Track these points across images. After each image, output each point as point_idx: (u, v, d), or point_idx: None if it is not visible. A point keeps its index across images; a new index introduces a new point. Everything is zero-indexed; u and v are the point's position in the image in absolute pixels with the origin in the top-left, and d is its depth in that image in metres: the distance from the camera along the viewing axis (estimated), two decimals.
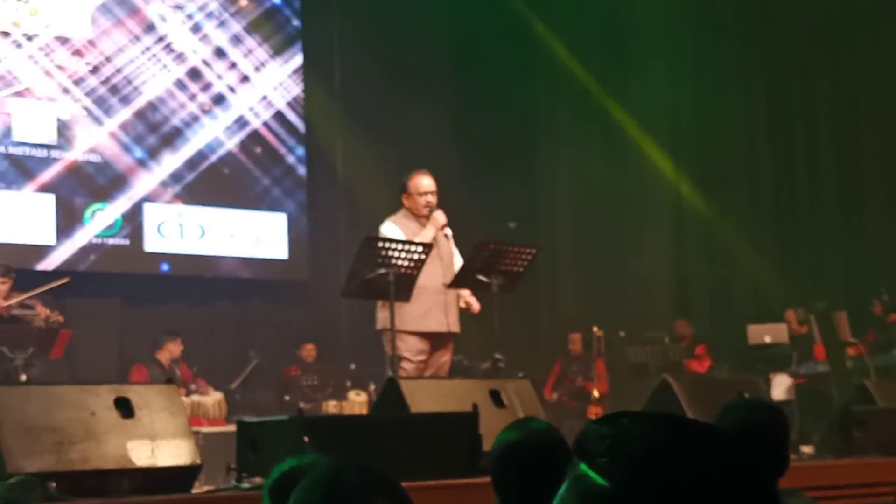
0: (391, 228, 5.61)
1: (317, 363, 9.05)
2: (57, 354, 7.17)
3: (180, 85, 9.39)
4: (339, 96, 10.07)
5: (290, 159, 9.89)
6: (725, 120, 9.82)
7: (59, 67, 8.81)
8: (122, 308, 9.04)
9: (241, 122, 9.66)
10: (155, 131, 9.24)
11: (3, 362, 6.78)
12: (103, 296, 8.88)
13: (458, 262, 5.71)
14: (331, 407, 8.38)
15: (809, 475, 4.28)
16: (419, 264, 5.27)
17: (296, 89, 9.94)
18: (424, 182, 5.70)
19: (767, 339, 8.38)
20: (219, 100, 9.57)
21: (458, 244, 5.82)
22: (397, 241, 5.30)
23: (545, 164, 10.57)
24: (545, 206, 10.48)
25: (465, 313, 5.87)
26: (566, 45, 10.06)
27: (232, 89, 9.64)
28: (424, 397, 4.39)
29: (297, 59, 9.98)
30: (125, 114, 9.09)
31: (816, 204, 9.53)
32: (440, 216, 5.61)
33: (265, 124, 9.77)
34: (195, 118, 9.44)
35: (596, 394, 8.87)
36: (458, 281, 5.58)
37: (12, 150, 8.58)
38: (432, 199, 5.66)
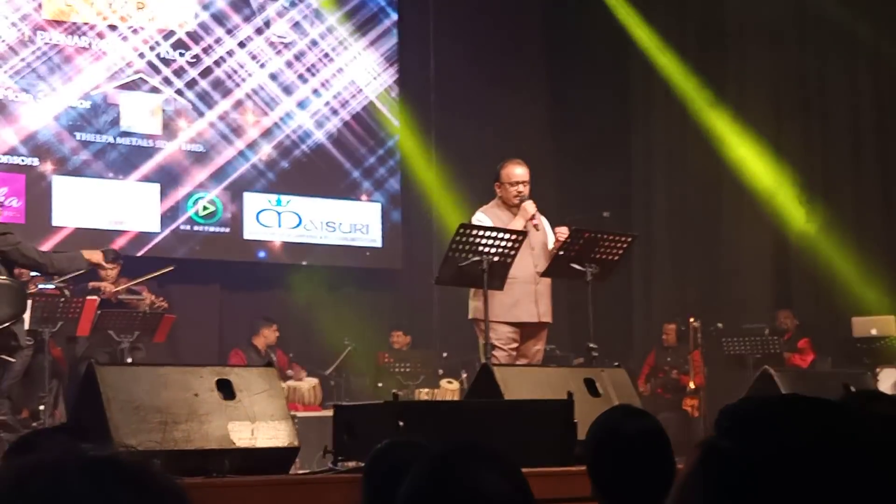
0: (482, 218, 5.62)
1: (409, 351, 9.13)
2: (160, 338, 7.40)
3: (277, 76, 9.56)
4: (433, 86, 10.11)
5: (385, 148, 9.99)
6: (829, 100, 9.52)
7: (164, 60, 9.06)
8: (221, 294, 9.27)
9: (335, 113, 9.79)
10: (253, 122, 9.43)
11: (111, 345, 7.03)
12: (204, 282, 9.11)
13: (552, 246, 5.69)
14: (423, 394, 8.44)
15: None
16: (513, 252, 5.27)
17: (390, 80, 10.02)
18: (517, 171, 5.69)
19: (874, 332, 8.11)
20: (314, 90, 9.71)
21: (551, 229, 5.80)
22: (491, 229, 5.31)
23: (640, 152, 10.43)
24: (640, 195, 10.34)
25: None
26: (662, 33, 9.90)
27: (326, 81, 9.77)
28: (518, 385, 4.39)
29: (392, 50, 10.06)
30: (225, 105, 9.30)
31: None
32: (530, 206, 5.59)
33: (359, 115, 9.88)
34: (291, 108, 9.60)
35: (692, 386, 8.73)
36: (552, 269, 5.56)
37: (120, 141, 8.86)
38: (523, 189, 5.65)
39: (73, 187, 8.65)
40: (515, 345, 5.55)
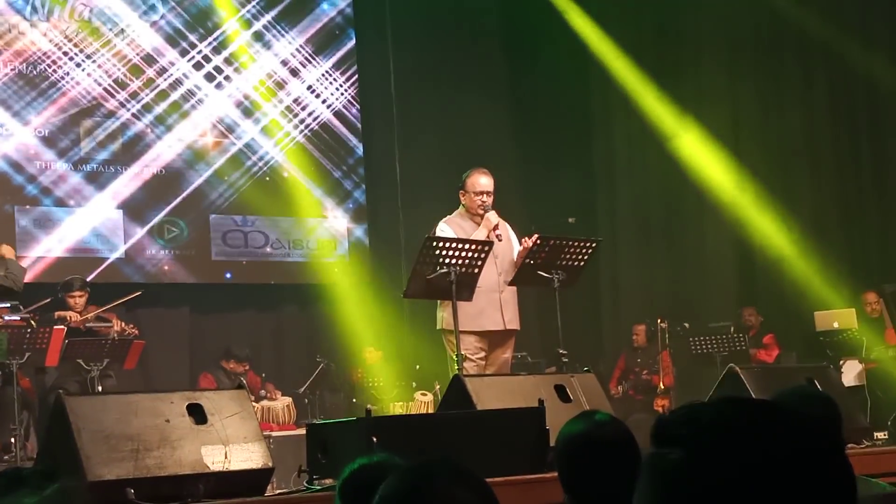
0: (445, 229, 5.65)
1: (381, 365, 9.13)
2: (131, 365, 7.35)
3: (239, 96, 9.54)
4: (394, 99, 10.14)
5: (349, 162, 10.00)
6: (785, 104, 9.66)
7: (120, 84, 9.01)
8: (191, 317, 9.22)
9: (297, 130, 9.78)
10: (213, 143, 9.40)
11: (81, 374, 6.98)
12: (174, 305, 9.06)
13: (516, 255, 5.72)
14: (397, 408, 8.45)
15: (884, 461, 4.22)
16: (480, 263, 5.30)
17: (353, 92, 10.04)
18: (482, 181, 5.73)
19: (836, 325, 8.23)
20: (274, 108, 9.69)
21: (516, 237, 5.84)
22: (458, 241, 5.34)
23: (602, 158, 10.52)
24: (604, 200, 10.42)
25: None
26: (618, 41, 10.00)
27: (286, 98, 9.76)
28: (490, 394, 4.42)
29: (351, 65, 10.08)
30: (185, 127, 9.26)
31: (882, 188, 9.34)
32: (493, 217, 5.63)
33: (321, 131, 9.89)
34: (250, 128, 9.59)
35: (662, 386, 8.81)
36: (519, 278, 5.60)
37: (80, 167, 8.80)
38: (487, 199, 5.69)
39: (33, 217, 8.58)
40: (483, 353, 5.59)
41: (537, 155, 10.39)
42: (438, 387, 8.18)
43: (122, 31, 9.04)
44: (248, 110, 9.56)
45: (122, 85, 9.01)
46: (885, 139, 9.37)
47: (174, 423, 3.72)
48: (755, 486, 0.82)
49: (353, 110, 10.05)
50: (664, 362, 8.84)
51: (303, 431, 5.38)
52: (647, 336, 9.11)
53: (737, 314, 9.17)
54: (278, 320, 9.67)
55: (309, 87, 9.87)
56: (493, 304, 5.58)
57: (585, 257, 5.61)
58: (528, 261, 5.51)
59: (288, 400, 8.43)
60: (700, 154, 9.71)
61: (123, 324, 7.49)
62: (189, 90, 9.30)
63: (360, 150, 10.05)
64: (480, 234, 5.57)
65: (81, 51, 8.86)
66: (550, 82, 10.37)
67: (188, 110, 9.29)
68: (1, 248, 6.95)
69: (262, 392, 8.42)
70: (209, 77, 9.40)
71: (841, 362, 8.01)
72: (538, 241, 5.53)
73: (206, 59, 9.40)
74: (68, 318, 7.23)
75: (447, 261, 5.23)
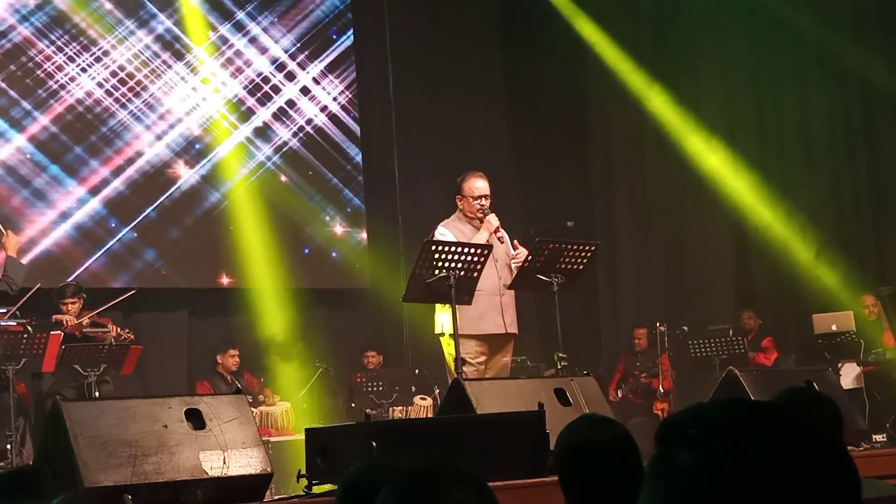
0: (444, 232, 5.64)
1: (381, 369, 9.12)
2: (128, 370, 7.32)
3: (234, 99, 9.53)
4: (393, 103, 10.13)
5: (348, 166, 9.98)
6: (783, 107, 9.67)
7: (114, 86, 9.00)
8: (189, 321, 9.19)
9: (296, 136, 9.77)
10: (209, 149, 9.38)
11: (77, 379, 6.95)
12: (171, 309, 9.04)
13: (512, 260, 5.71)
14: (397, 412, 8.43)
15: (882, 464, 4.20)
16: (479, 266, 5.29)
17: (349, 100, 10.03)
18: (478, 185, 5.71)
19: (834, 328, 8.23)
20: (273, 114, 9.69)
21: (511, 243, 5.82)
22: (456, 244, 5.33)
23: (601, 161, 10.51)
24: (601, 203, 10.42)
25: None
26: (616, 39, 10.00)
27: (284, 104, 9.75)
28: (490, 398, 4.40)
29: (350, 70, 10.07)
30: (181, 129, 9.25)
31: (879, 190, 9.34)
32: (493, 219, 5.62)
33: (320, 136, 9.88)
34: (249, 133, 9.57)
35: (661, 389, 8.80)
36: (518, 281, 5.59)
37: (76, 167, 8.77)
38: (485, 202, 5.68)
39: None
40: (483, 358, 5.57)
41: (535, 158, 10.39)
42: (438, 391, 8.17)
43: (119, 35, 9.03)
44: (243, 115, 9.54)
45: (115, 87, 8.98)
46: (880, 142, 9.37)
47: (172, 428, 3.70)
48: (766, 487, 0.82)
49: (353, 115, 10.04)
50: (663, 366, 8.83)
51: (301, 436, 5.36)
52: (649, 339, 9.10)
53: (735, 317, 9.17)
54: (277, 324, 9.63)
55: (305, 92, 9.86)
56: (495, 307, 5.56)
57: (585, 261, 5.60)
58: (527, 264, 5.50)
59: (286, 405, 8.41)
60: (698, 157, 9.71)
61: (119, 329, 7.46)
62: (186, 94, 9.28)
63: (358, 155, 10.04)
64: (482, 237, 5.56)
65: (75, 56, 8.84)
66: (548, 85, 10.36)
67: (182, 113, 9.26)
68: (8, 238, 6.81)
69: (261, 397, 8.39)
70: (205, 80, 9.39)
71: (839, 365, 8.00)
72: (537, 244, 5.52)
73: (202, 63, 9.39)
74: (65, 323, 7.21)
75: (446, 265, 5.21)
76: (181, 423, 3.74)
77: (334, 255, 9.82)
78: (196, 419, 3.78)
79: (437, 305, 5.59)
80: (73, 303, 7.34)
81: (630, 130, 10.26)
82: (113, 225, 8.86)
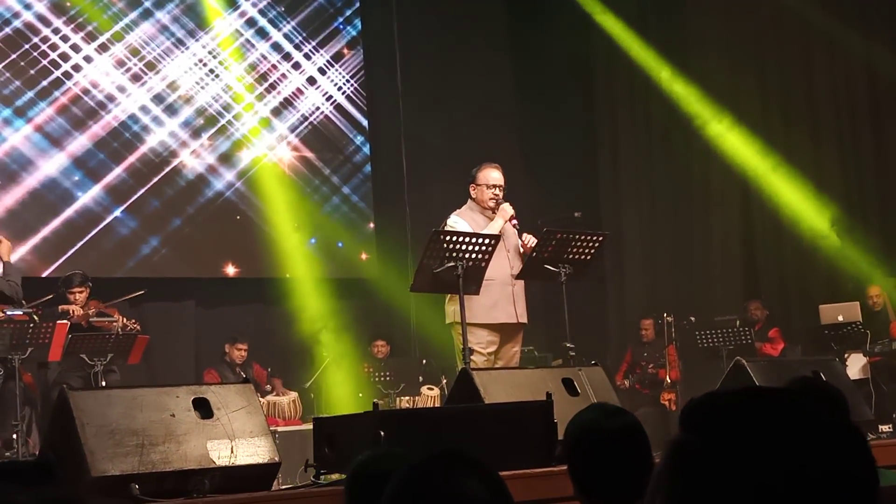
0: (457, 221, 5.63)
1: (389, 359, 9.12)
2: (135, 360, 7.33)
3: (239, 87, 9.51)
4: (401, 93, 10.11)
5: (356, 158, 9.97)
6: (790, 94, 9.61)
7: (123, 76, 8.99)
8: (196, 311, 9.20)
9: (304, 120, 9.76)
10: (223, 133, 9.37)
11: (84, 369, 6.95)
12: (178, 299, 9.04)
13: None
14: (404, 402, 8.43)
15: (888, 454, 4.19)
16: (487, 256, 5.28)
17: (357, 89, 10.01)
18: (494, 175, 5.72)
19: (840, 318, 8.21)
20: (283, 100, 9.67)
21: (521, 234, 5.81)
22: (464, 234, 5.32)
23: (608, 151, 10.48)
24: (609, 194, 10.39)
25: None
26: (624, 19, 9.95)
27: (293, 94, 9.74)
28: (498, 388, 4.39)
29: (358, 60, 10.05)
30: (187, 117, 9.24)
31: (885, 180, 9.29)
32: (508, 207, 5.63)
33: (329, 125, 9.86)
34: (257, 123, 9.56)
35: (668, 380, 8.79)
36: (527, 271, 5.58)
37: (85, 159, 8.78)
38: (499, 193, 5.68)
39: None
40: (494, 347, 5.56)
41: (543, 149, 10.36)
42: (445, 381, 8.16)
43: (125, 25, 9.01)
44: (249, 104, 9.52)
45: (119, 74, 8.97)
46: (885, 129, 9.31)
47: (180, 417, 3.70)
48: (773, 472, 0.81)
49: (361, 104, 10.02)
50: (670, 356, 8.82)
51: (309, 426, 5.36)
52: (656, 330, 9.09)
53: (742, 308, 9.15)
54: (284, 314, 9.64)
55: (312, 82, 9.84)
56: (507, 297, 5.56)
57: (592, 251, 5.59)
58: (534, 254, 5.49)
59: (294, 395, 8.41)
60: (705, 149, 9.67)
61: (125, 319, 7.47)
62: (196, 80, 9.27)
63: (366, 145, 10.02)
64: (497, 225, 5.56)
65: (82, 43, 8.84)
66: (557, 75, 10.33)
67: (188, 95, 9.26)
68: (0, 243, 6.82)
69: (268, 387, 8.40)
70: (212, 68, 9.37)
71: (846, 355, 7.99)
72: (545, 235, 5.51)
73: (211, 53, 9.38)
74: (71, 313, 7.21)
75: (454, 254, 5.20)
76: (189, 413, 3.73)
77: (340, 244, 9.81)
78: (204, 408, 3.78)
79: (448, 296, 5.58)
80: (80, 292, 7.34)
81: (637, 122, 10.22)
82: (117, 214, 8.86)
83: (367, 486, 2.06)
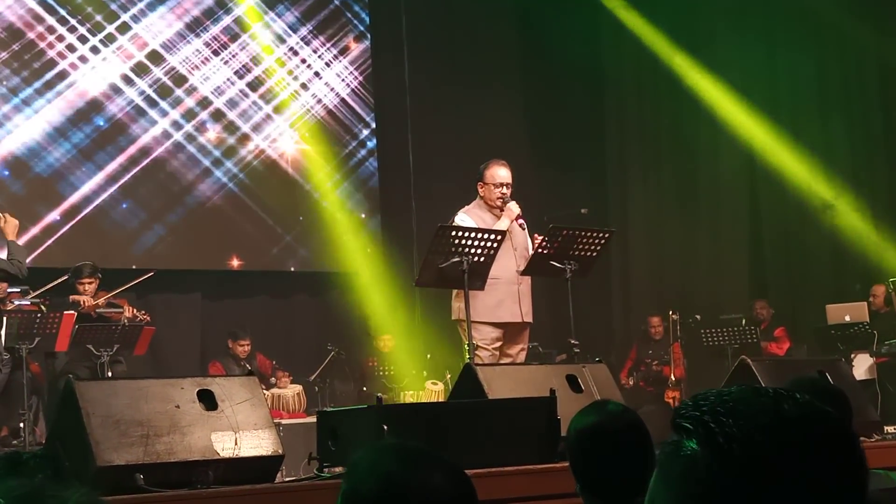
0: (464, 219, 5.63)
1: (393, 354, 9.13)
2: (141, 351, 7.35)
3: (243, 84, 9.52)
4: (408, 90, 10.11)
5: (362, 152, 9.98)
6: (799, 89, 9.56)
7: (132, 70, 9.00)
8: (202, 303, 9.22)
9: (311, 119, 9.77)
10: (229, 129, 9.39)
11: (90, 359, 6.98)
12: (185, 291, 9.07)
13: (531, 251, 5.71)
14: (408, 397, 8.44)
15: (894, 455, 4.19)
16: (492, 252, 5.28)
17: (364, 85, 10.01)
18: (501, 173, 5.70)
19: (847, 319, 8.20)
20: (289, 93, 9.68)
21: (529, 232, 5.81)
22: (470, 230, 5.32)
23: (615, 148, 10.47)
24: (616, 190, 10.38)
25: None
26: (635, 24, 9.93)
27: (301, 87, 9.75)
28: (501, 383, 4.40)
29: (365, 56, 10.06)
30: (192, 110, 9.25)
31: (893, 178, 9.28)
32: (514, 207, 5.62)
33: (335, 116, 9.87)
34: (265, 117, 9.57)
35: (673, 378, 8.79)
36: (532, 267, 5.58)
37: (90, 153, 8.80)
38: (506, 191, 5.67)
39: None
40: (499, 344, 5.57)
41: (550, 144, 10.36)
42: (449, 376, 8.17)
43: (135, 16, 9.03)
44: (255, 101, 9.53)
45: (123, 68, 8.99)
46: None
47: (184, 408, 3.71)
48: (765, 474, 0.81)
49: (368, 101, 10.02)
50: (675, 354, 8.82)
51: (313, 419, 5.37)
52: (664, 328, 9.09)
53: (748, 307, 9.14)
54: (289, 307, 9.66)
55: (318, 74, 9.84)
56: (512, 295, 5.56)
57: (598, 248, 5.59)
58: (540, 250, 5.50)
59: (298, 388, 8.43)
60: (712, 146, 9.65)
61: (135, 310, 7.49)
62: (201, 72, 9.28)
63: (372, 139, 10.03)
64: (504, 224, 5.56)
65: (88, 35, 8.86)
66: (564, 71, 10.31)
67: (194, 87, 9.27)
68: (7, 222, 6.74)
69: (273, 379, 8.42)
70: (223, 60, 9.38)
71: (852, 356, 7.98)
72: (551, 231, 5.51)
73: (224, 46, 9.39)
74: (81, 303, 7.23)
75: (459, 250, 5.21)
76: (193, 404, 3.75)
77: (346, 238, 9.82)
78: (208, 400, 3.79)
79: (454, 292, 5.59)
80: (89, 283, 7.36)
81: (645, 120, 10.21)
82: (123, 206, 8.88)
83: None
